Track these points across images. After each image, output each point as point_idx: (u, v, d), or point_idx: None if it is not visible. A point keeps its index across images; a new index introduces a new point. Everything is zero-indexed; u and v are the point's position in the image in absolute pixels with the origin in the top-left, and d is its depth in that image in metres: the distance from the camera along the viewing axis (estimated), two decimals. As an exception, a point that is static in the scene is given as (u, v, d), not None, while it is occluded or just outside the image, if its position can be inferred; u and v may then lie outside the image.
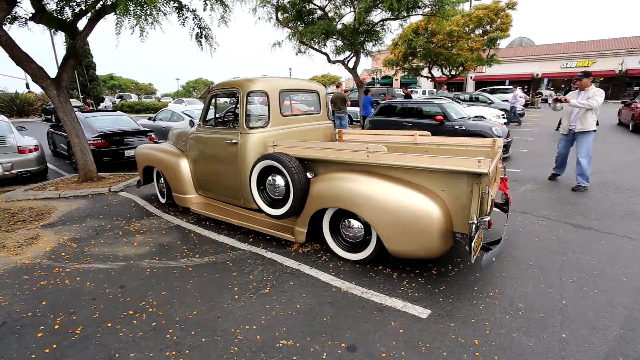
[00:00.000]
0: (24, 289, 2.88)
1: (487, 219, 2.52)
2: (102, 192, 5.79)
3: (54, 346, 2.16)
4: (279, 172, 3.40)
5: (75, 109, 13.12)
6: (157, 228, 4.25)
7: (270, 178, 3.48)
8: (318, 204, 3.18)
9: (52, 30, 5.80)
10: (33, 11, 5.50)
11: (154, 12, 4.67)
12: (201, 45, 5.94)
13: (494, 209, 3.77)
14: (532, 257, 3.21)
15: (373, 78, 41.12)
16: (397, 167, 2.89)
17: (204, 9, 5.10)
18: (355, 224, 3.13)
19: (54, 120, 16.76)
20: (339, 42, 14.59)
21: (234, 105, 4.48)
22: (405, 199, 2.72)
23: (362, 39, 13.80)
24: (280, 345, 2.13)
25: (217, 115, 4.34)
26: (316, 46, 14.03)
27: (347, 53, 14.81)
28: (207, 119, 4.32)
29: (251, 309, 2.51)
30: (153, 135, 8.48)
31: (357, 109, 15.44)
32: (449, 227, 2.69)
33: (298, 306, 2.53)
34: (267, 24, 13.73)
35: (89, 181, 6.26)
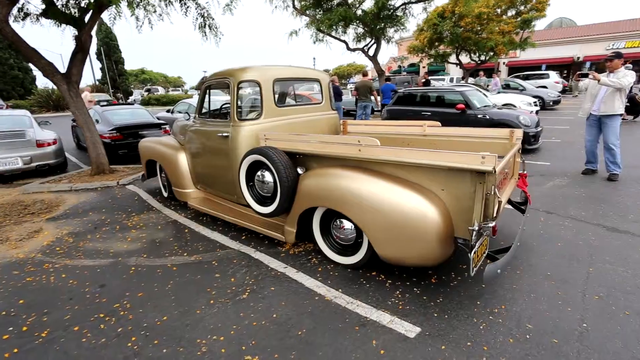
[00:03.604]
0: (9, 286, 2.86)
1: (491, 224, 2.15)
2: (111, 185, 5.85)
3: (15, 350, 2.08)
4: (267, 167, 3.17)
5: (105, 103, 13.57)
6: (154, 223, 4.17)
7: (259, 174, 3.27)
8: (306, 202, 2.92)
9: (60, 25, 5.81)
10: (44, 7, 5.57)
11: (152, 2, 4.53)
12: (205, 35, 5.78)
13: (510, 207, 3.36)
14: (552, 267, 2.79)
15: (399, 66, 39.76)
16: (392, 163, 2.56)
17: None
18: (346, 224, 2.84)
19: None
20: (360, 29, 14.05)
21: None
22: (398, 199, 2.40)
23: (382, 24, 13.19)
24: (244, 362, 1.92)
25: (211, 108, 4.16)
26: (335, 34, 13.57)
27: (368, 40, 14.26)
28: (202, 111, 4.15)
29: (224, 317, 2.32)
30: (168, 128, 8.52)
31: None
32: (449, 232, 2.35)
33: (274, 315, 2.31)
34: (285, 12, 13.45)
35: (101, 174, 6.35)
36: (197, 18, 5.64)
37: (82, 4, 5.50)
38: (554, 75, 19.42)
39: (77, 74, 5.81)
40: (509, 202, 3.33)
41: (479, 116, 7.15)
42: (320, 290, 2.57)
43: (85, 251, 3.49)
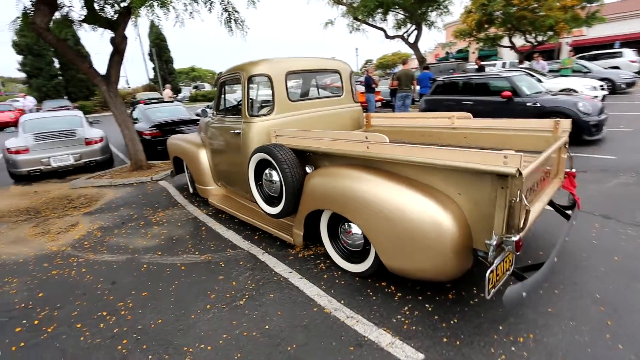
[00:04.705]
0: (36, 278, 3.05)
1: (515, 238, 1.78)
2: (145, 181, 6.13)
3: (22, 344, 2.17)
4: (274, 166, 3.02)
5: (155, 100, 14.49)
6: (176, 220, 4.25)
7: (266, 172, 3.13)
8: (311, 204, 2.72)
9: (96, 29, 6.13)
10: (85, 13, 5.91)
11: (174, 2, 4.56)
12: (231, 29, 5.76)
13: (551, 210, 2.87)
14: (603, 287, 2.30)
15: (447, 52, 37.46)
16: (402, 163, 2.26)
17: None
18: (354, 229, 2.60)
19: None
20: (400, 15, 13.33)
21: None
22: (407, 204, 2.11)
23: (424, 9, 12.37)
24: (225, 378, 1.80)
25: (226, 104, 4.11)
26: (373, 21, 13.01)
27: (409, 26, 13.49)
28: (219, 107, 4.11)
29: (216, 324, 2.22)
30: (203, 124, 8.76)
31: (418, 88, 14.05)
32: (467, 243, 2.02)
33: (267, 326, 2.16)
34: (321, 1, 13.18)
35: (139, 170, 6.70)
36: (222, 13, 5.64)
37: (117, 8, 5.74)
38: (629, 54, 16.83)
39: (115, 75, 6.12)
40: (552, 204, 2.85)
41: (528, 104, 6.35)
42: (321, 301, 2.37)
43: (109, 246, 3.63)
